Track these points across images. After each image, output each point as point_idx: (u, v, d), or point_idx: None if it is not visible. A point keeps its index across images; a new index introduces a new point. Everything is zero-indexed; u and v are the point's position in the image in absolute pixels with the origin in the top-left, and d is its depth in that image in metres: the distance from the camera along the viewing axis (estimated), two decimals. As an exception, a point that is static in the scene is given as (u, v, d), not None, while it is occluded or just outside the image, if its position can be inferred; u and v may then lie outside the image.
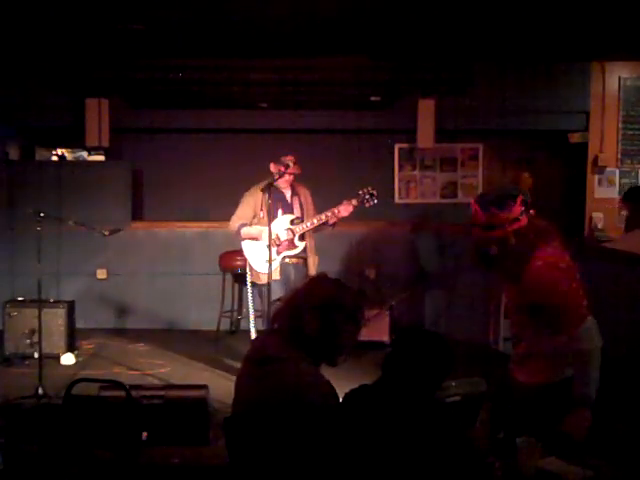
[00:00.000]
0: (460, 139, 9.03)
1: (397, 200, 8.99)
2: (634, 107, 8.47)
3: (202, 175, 8.84)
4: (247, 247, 6.26)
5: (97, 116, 8.16)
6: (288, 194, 6.23)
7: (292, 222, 6.12)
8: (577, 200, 8.62)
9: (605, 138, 8.48)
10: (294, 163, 6.03)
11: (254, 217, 6.18)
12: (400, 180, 9.08)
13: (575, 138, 8.63)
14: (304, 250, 6.18)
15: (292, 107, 8.49)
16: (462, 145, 9.09)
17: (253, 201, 6.16)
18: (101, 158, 8.48)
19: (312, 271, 6.13)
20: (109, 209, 8.24)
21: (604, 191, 8.51)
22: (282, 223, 6.12)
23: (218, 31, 6.96)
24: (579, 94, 8.46)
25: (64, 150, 8.47)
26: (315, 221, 6.04)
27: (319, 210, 6.21)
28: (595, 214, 8.44)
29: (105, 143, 8.24)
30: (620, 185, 8.52)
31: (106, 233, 6.58)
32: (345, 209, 5.96)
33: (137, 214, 8.79)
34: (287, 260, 6.17)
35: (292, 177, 6.13)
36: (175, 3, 6.06)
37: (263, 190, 5.81)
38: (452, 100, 8.30)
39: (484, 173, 9.09)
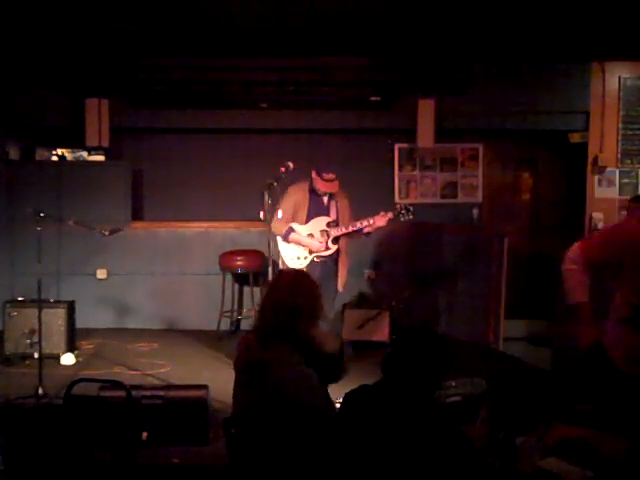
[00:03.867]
0: (460, 139, 9.02)
1: (397, 200, 8.97)
2: (634, 107, 8.47)
3: (202, 175, 8.84)
4: (282, 243, 6.34)
5: (97, 116, 8.16)
6: (325, 198, 6.32)
7: (328, 224, 6.26)
8: (577, 200, 8.61)
9: (605, 138, 8.48)
10: (332, 180, 6.15)
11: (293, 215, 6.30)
12: (400, 180, 9.08)
13: (575, 138, 8.62)
14: (336, 253, 6.32)
15: (292, 107, 8.48)
16: (462, 145, 9.08)
17: (293, 200, 6.26)
18: (101, 158, 8.47)
19: (342, 271, 6.32)
20: (109, 209, 8.24)
21: (604, 191, 8.50)
22: (319, 225, 6.26)
23: (218, 31, 6.96)
24: (579, 94, 8.46)
25: (64, 150, 8.47)
26: (350, 227, 6.19)
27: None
28: (595, 214, 8.43)
29: (105, 143, 8.24)
30: (620, 185, 8.52)
31: (106, 233, 6.58)
32: (380, 220, 6.10)
33: (137, 214, 8.78)
34: (316, 259, 6.28)
35: (321, 192, 6.23)
36: (175, 3, 6.06)
37: (264, 188, 5.81)
38: (452, 100, 8.30)
39: (484, 173, 9.09)
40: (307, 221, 6.23)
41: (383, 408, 2.74)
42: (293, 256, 6.26)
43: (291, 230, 6.22)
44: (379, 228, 6.21)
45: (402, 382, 2.77)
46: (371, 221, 6.11)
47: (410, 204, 6.26)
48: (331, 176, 6.15)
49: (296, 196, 6.26)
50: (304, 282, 3.10)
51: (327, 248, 6.25)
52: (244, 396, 2.87)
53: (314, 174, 6.19)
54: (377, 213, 6.13)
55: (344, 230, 6.21)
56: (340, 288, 6.39)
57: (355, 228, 6.18)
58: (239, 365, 3.00)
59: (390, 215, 6.12)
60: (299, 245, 6.25)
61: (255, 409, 2.78)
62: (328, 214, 6.30)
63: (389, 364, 2.86)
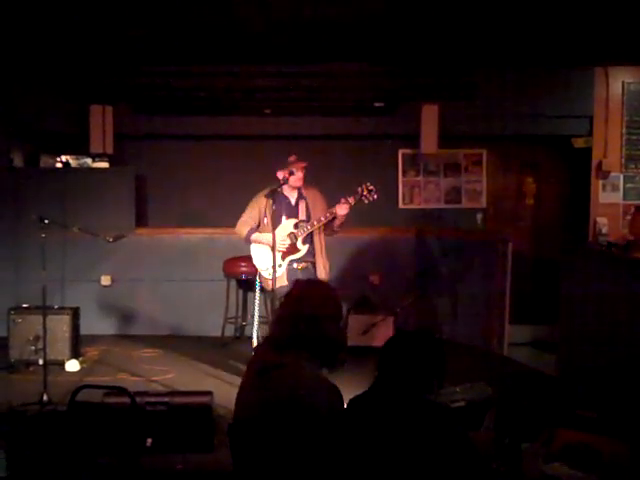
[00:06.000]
0: (464, 144, 9.01)
1: (401, 205, 8.97)
2: (638, 112, 8.46)
3: (206, 181, 8.84)
4: (255, 253, 6.28)
5: (101, 123, 8.18)
6: (293, 198, 6.21)
7: (296, 226, 6.12)
8: (581, 205, 8.60)
9: (609, 143, 8.47)
10: (296, 161, 6.03)
11: (259, 224, 6.21)
12: (404, 186, 9.07)
13: (579, 143, 8.61)
14: (312, 254, 6.15)
15: (295, 113, 8.49)
16: (466, 150, 9.07)
17: (258, 207, 6.21)
18: (105, 165, 8.48)
19: (322, 275, 6.08)
20: (113, 215, 8.26)
21: (608, 196, 8.49)
22: (286, 228, 6.13)
23: (221, 38, 6.97)
24: (583, 99, 8.45)
25: (68, 157, 8.48)
26: (315, 223, 6.04)
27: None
28: (599, 219, 8.42)
29: (109, 150, 8.26)
30: (624, 190, 8.50)
31: (110, 239, 6.60)
32: (341, 207, 5.88)
33: (141, 220, 8.78)
34: (295, 265, 6.15)
35: (299, 181, 6.11)
36: (179, 10, 6.07)
37: (267, 196, 5.87)
38: (456, 106, 8.29)
39: (488, 178, 9.08)
40: (275, 226, 5.97)
41: (386, 414, 2.73)
42: (267, 265, 6.13)
43: (253, 231, 6.15)
44: (345, 216, 5.95)
45: (397, 381, 2.77)
46: (333, 211, 5.93)
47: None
48: (294, 157, 6.03)
49: (260, 203, 6.16)
50: (321, 292, 3.11)
51: (296, 250, 6.11)
52: (254, 399, 2.87)
53: (280, 173, 6.05)
54: (338, 202, 5.92)
55: (309, 228, 6.05)
56: None
57: (320, 223, 6.02)
58: (253, 367, 3.00)
59: (351, 200, 5.89)
60: (261, 244, 6.16)
61: (265, 412, 2.78)
62: (296, 215, 6.16)
63: (382, 362, 2.86)
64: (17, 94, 8.26)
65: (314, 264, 6.16)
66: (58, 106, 8.28)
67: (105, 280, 8.44)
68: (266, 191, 5.99)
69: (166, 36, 6.93)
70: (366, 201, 5.95)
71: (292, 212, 6.19)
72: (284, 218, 6.14)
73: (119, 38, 6.90)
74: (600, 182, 8.53)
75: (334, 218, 5.99)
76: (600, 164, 8.47)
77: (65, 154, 8.48)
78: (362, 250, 8.34)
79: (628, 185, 8.51)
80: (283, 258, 6.12)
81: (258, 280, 6.50)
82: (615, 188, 8.52)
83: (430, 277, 8.40)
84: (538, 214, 9.11)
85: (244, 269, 7.76)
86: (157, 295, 8.45)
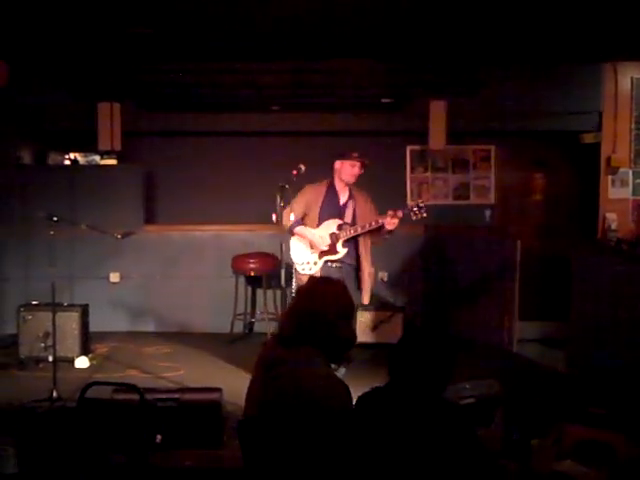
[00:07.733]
0: (472, 140, 8.98)
1: (409, 202, 8.95)
2: (647, 107, 8.43)
3: (215, 178, 8.84)
4: (294, 246, 6.16)
5: (109, 120, 8.19)
6: (344, 198, 6.12)
7: (339, 227, 6.02)
8: (590, 201, 8.57)
9: (618, 138, 8.43)
10: (358, 156, 6.00)
11: (304, 215, 6.13)
12: (412, 182, 9.05)
13: (588, 139, 8.59)
14: (356, 259, 6.04)
15: (304, 110, 8.48)
16: (474, 147, 9.04)
17: (305, 199, 6.11)
18: (113, 162, 8.49)
19: (365, 280, 6.02)
20: (122, 212, 8.27)
21: (617, 192, 8.45)
22: (328, 227, 6.05)
23: (229, 34, 6.97)
24: (591, 94, 8.41)
25: (77, 154, 8.50)
26: (359, 229, 5.93)
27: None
28: (609, 214, 8.38)
29: (117, 147, 8.26)
30: (633, 185, 8.47)
31: (119, 236, 6.62)
32: (390, 222, 5.76)
33: (150, 217, 8.80)
34: (329, 264, 6.06)
35: (352, 177, 6.05)
36: (186, 7, 6.07)
37: (276, 192, 5.77)
38: (464, 101, 8.27)
39: (496, 174, 9.05)
40: (319, 223, 6.02)
41: (395, 410, 2.73)
42: (303, 261, 6.09)
43: (298, 223, 6.04)
44: (396, 228, 5.82)
45: (409, 379, 2.76)
46: (380, 221, 5.81)
47: (422, 201, 5.97)
48: (357, 153, 5.96)
49: (310, 195, 6.08)
50: (333, 290, 3.11)
51: (335, 252, 6.02)
52: (263, 395, 2.88)
53: (339, 164, 6.00)
54: (385, 213, 5.81)
55: (352, 232, 5.95)
56: (365, 300, 6.13)
57: (363, 230, 5.92)
58: (261, 363, 3.00)
59: (399, 214, 5.78)
60: (304, 239, 6.05)
61: (274, 408, 2.78)
62: (342, 216, 6.07)
63: (394, 362, 2.85)
64: (25, 92, 8.26)
65: (357, 268, 6.06)
66: (66, 104, 8.29)
67: (114, 277, 8.47)
68: (315, 184, 6.03)
69: (173, 33, 6.93)
70: (414, 218, 5.85)
71: (339, 212, 6.09)
72: (329, 217, 6.07)
73: (126, 35, 6.90)
74: (609, 178, 8.49)
75: (380, 227, 5.88)
76: (609, 160, 8.43)
77: (73, 151, 8.51)
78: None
79: (637, 180, 8.47)
80: (320, 257, 6.04)
81: (294, 275, 6.35)
82: (624, 183, 8.49)
83: (438, 273, 8.39)
84: (547, 210, 9.09)
85: (253, 266, 7.77)
86: (166, 292, 8.47)
